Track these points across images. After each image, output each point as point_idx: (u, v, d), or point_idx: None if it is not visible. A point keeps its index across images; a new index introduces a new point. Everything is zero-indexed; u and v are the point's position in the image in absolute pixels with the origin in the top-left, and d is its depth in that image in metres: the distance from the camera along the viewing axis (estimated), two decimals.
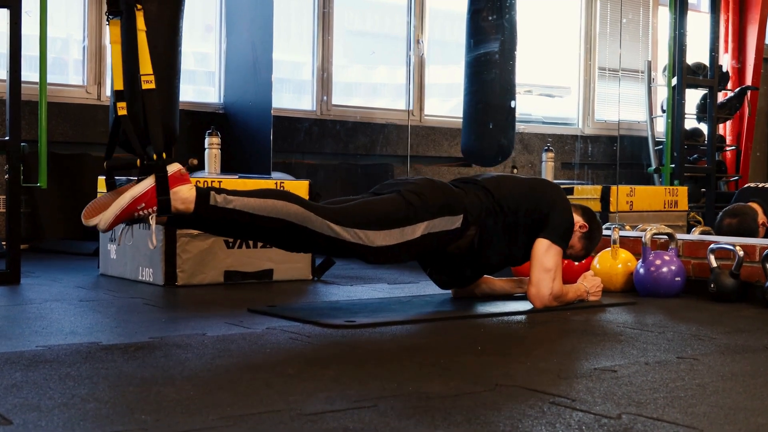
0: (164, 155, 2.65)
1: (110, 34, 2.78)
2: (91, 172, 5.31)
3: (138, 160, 2.65)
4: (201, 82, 6.43)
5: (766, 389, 2.00)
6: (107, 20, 2.79)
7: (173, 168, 2.66)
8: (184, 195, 2.66)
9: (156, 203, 2.63)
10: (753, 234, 4.48)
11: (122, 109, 2.71)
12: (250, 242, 3.85)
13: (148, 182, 2.63)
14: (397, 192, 2.98)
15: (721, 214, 4.79)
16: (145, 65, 2.72)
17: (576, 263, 3.77)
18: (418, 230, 2.93)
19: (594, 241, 3.38)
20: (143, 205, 2.62)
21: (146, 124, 2.69)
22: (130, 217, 2.62)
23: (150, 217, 2.64)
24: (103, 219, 2.59)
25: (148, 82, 2.70)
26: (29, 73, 5.10)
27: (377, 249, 2.88)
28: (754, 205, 4.68)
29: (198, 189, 2.69)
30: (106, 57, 5.86)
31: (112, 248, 4.00)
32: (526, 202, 3.14)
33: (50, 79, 5.09)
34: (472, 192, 3.10)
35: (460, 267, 3.20)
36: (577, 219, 3.29)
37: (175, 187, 2.65)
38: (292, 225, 2.77)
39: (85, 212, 2.61)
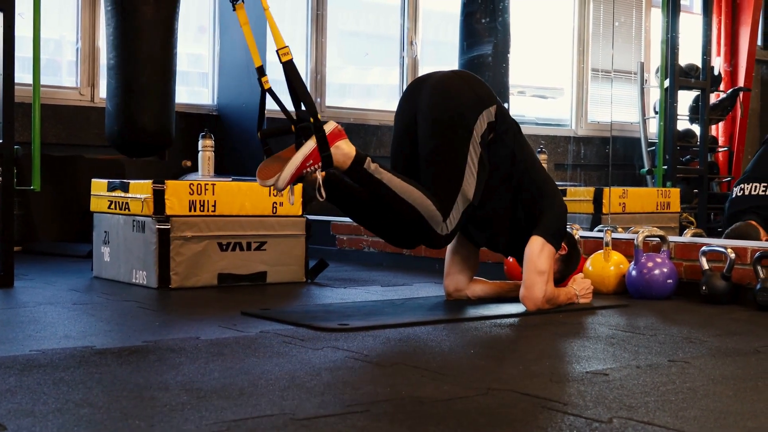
0: (319, 116, 2.86)
1: (239, 18, 2.99)
2: (84, 174, 5.31)
3: (292, 126, 2.87)
4: (194, 83, 6.43)
5: (757, 393, 2.01)
6: (233, 7, 3.01)
7: (330, 126, 2.88)
8: (345, 150, 2.89)
9: (320, 159, 2.85)
10: None
11: (266, 83, 2.92)
12: (244, 245, 3.86)
13: (312, 142, 2.84)
14: (435, 129, 3.05)
15: (724, 236, 4.78)
16: (279, 40, 2.91)
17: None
18: (476, 143, 3.03)
19: (570, 267, 3.37)
20: (311, 162, 2.84)
21: (293, 92, 2.88)
22: (301, 174, 2.84)
23: (317, 172, 2.85)
24: (281, 178, 2.80)
25: (285, 54, 2.90)
26: (22, 74, 5.10)
27: (473, 195, 3.03)
28: (754, 224, 4.70)
29: (358, 151, 2.91)
30: (99, 59, 5.85)
31: (105, 251, 4.00)
32: (531, 167, 3.18)
33: (44, 81, 5.09)
34: (505, 109, 3.22)
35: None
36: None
37: (335, 142, 2.87)
38: (420, 218, 2.96)
39: (259, 174, 2.85)
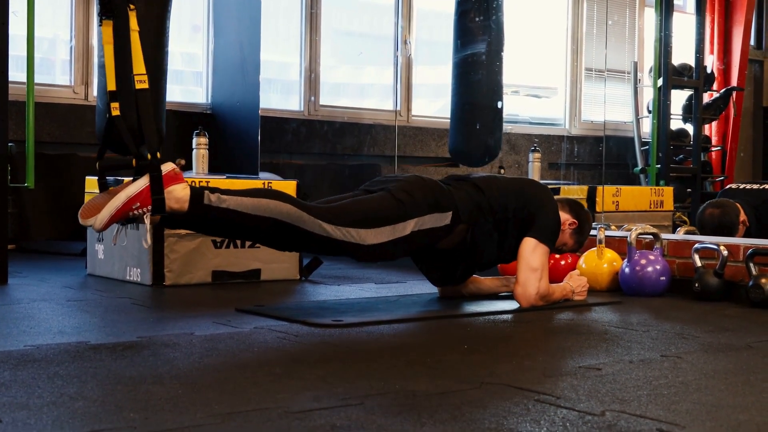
0: (158, 155, 2.66)
1: (103, 35, 2.77)
2: (78, 172, 5.30)
3: (133, 160, 2.66)
4: (188, 82, 6.43)
5: (748, 386, 2.03)
6: (99, 21, 2.79)
7: (167, 167, 2.68)
8: (178, 194, 2.67)
9: (151, 202, 2.63)
10: (733, 228, 4.52)
11: (116, 109, 2.71)
12: (238, 242, 3.86)
13: (143, 182, 2.64)
14: (387, 190, 3.01)
15: (704, 205, 4.83)
16: (139, 65, 2.72)
17: (562, 263, 3.82)
18: (408, 227, 2.96)
19: (585, 233, 3.45)
20: (138, 204, 2.62)
21: (139, 124, 2.69)
22: (125, 216, 2.63)
23: (144, 216, 2.64)
24: (98, 219, 2.59)
25: (141, 82, 2.71)
26: (16, 73, 5.09)
27: (368, 247, 2.90)
28: (737, 204, 4.73)
29: (192, 188, 2.71)
30: (93, 57, 5.85)
31: (99, 248, 4.00)
32: (516, 201, 3.17)
33: (37, 79, 5.08)
34: (463, 189, 3.14)
35: (452, 264, 3.23)
36: (566, 216, 3.33)
37: (169, 186, 2.67)
38: (284, 224, 2.79)
39: (81, 212, 2.62)
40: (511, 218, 3.15)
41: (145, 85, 2.71)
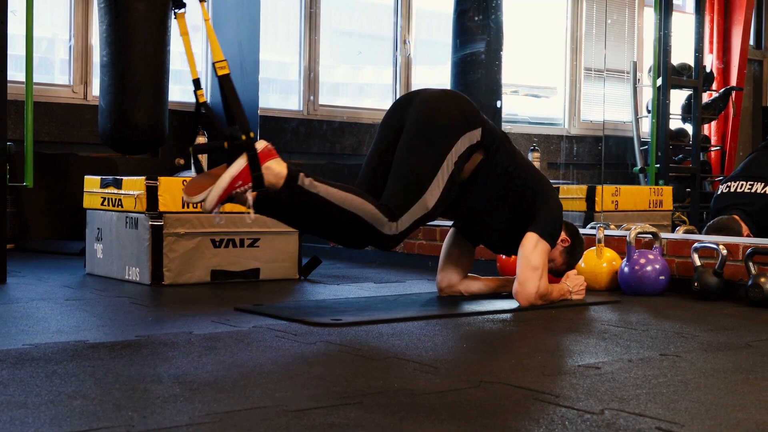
0: (251, 134, 2.77)
1: (179, 26, 2.87)
2: (77, 171, 5.30)
3: (225, 143, 2.77)
4: (188, 81, 6.41)
5: (747, 385, 2.03)
6: (174, 14, 2.89)
7: (260, 145, 2.80)
8: (276, 170, 2.81)
9: (251, 180, 2.76)
10: None
11: (201, 96, 2.85)
12: (237, 241, 3.86)
13: (242, 161, 2.76)
14: (417, 132, 3.04)
15: (705, 228, 4.82)
16: (217, 53, 2.83)
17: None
18: (451, 161, 3.02)
19: (575, 257, 3.41)
20: (240, 182, 2.75)
21: (228, 107, 2.79)
22: (229, 195, 2.76)
23: (247, 194, 2.77)
24: (208, 199, 2.73)
25: (222, 68, 2.81)
26: (15, 72, 5.10)
27: (433, 207, 3.00)
28: (737, 218, 4.72)
29: (290, 167, 2.84)
30: (92, 56, 5.85)
31: (98, 248, 4.00)
32: (527, 174, 3.18)
33: (36, 78, 5.09)
34: (492, 125, 3.20)
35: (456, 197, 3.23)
36: (561, 234, 3.31)
37: (265, 162, 2.79)
38: (364, 223, 2.90)
39: (186, 190, 2.76)
40: (516, 184, 3.15)
41: (226, 71, 2.81)
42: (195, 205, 3.06)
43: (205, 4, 2.94)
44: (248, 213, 2.81)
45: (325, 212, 2.88)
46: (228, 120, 2.80)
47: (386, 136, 3.15)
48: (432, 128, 3.04)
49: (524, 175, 3.18)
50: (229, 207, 3.83)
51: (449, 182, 3.03)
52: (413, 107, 3.11)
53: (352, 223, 2.90)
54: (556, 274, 3.42)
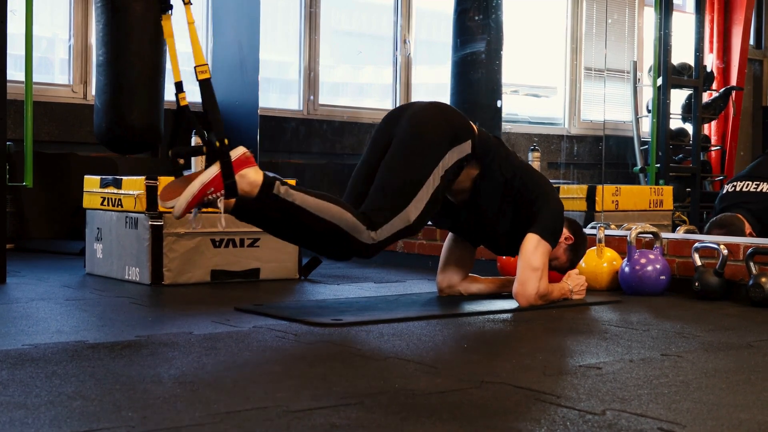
0: (226, 141, 2.73)
1: (164, 28, 2.84)
2: (77, 171, 5.29)
3: (204, 147, 2.75)
4: (187, 81, 6.41)
5: (749, 385, 2.02)
6: (161, 16, 2.86)
7: (237, 152, 2.76)
8: (251, 178, 2.76)
9: (223, 187, 2.71)
10: None
11: (183, 99, 2.81)
12: (237, 241, 3.85)
13: (215, 168, 2.72)
14: (403, 145, 3.01)
15: (708, 225, 4.81)
16: (198, 56, 2.79)
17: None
18: (438, 175, 2.99)
19: (579, 254, 3.41)
20: (212, 189, 2.71)
21: (206, 112, 2.76)
22: (200, 202, 2.72)
23: (219, 201, 2.73)
24: (177, 205, 2.69)
25: (203, 72, 2.78)
26: (15, 72, 5.09)
27: (416, 220, 2.96)
28: (740, 216, 4.71)
29: (266, 175, 2.79)
30: (91, 56, 5.84)
31: (98, 248, 3.99)
32: (526, 177, 3.17)
33: (36, 78, 5.07)
34: (484, 133, 3.17)
35: (460, 216, 3.23)
36: (564, 231, 3.31)
37: (241, 170, 2.74)
38: (341, 231, 2.85)
39: (161, 194, 2.73)
40: (517, 189, 3.14)
41: (207, 75, 2.78)
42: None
43: (191, 6, 2.86)
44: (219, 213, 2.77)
45: (301, 221, 2.83)
46: (205, 126, 2.75)
47: (374, 151, 3.12)
48: (419, 142, 3.01)
49: (523, 178, 3.16)
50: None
51: (434, 196, 2.99)
52: (401, 123, 3.08)
53: (329, 232, 2.85)
54: (560, 271, 3.43)
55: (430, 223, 3.25)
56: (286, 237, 3.03)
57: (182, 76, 2.84)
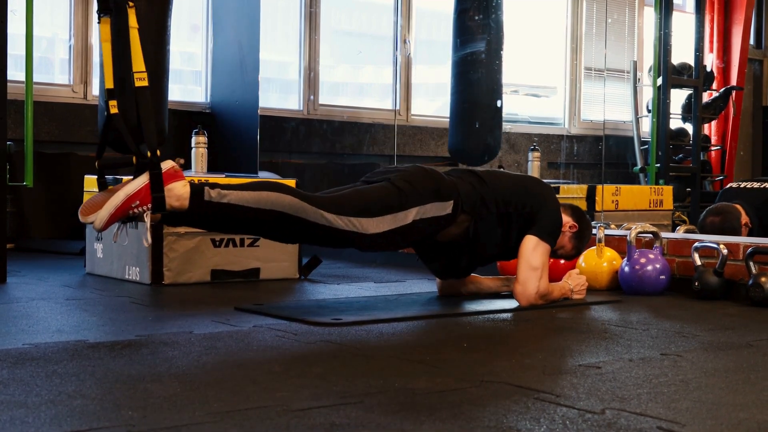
0: (158, 152, 2.64)
1: (101, 33, 2.77)
2: (77, 171, 5.29)
3: (133, 158, 2.64)
4: (188, 81, 6.42)
5: (748, 385, 2.02)
6: (98, 19, 2.79)
7: (167, 165, 2.66)
8: (178, 192, 2.66)
9: (150, 200, 2.62)
10: (735, 233, 4.51)
11: (114, 107, 2.70)
12: (237, 241, 3.86)
13: (142, 180, 2.62)
14: (388, 180, 3.00)
15: (704, 212, 4.82)
16: (138, 62, 2.71)
17: (562, 261, 3.80)
18: (410, 216, 2.95)
19: (584, 240, 3.42)
20: (137, 202, 2.61)
21: (139, 122, 2.68)
22: (124, 215, 2.61)
23: (145, 215, 2.63)
24: (98, 218, 2.58)
25: (141, 80, 2.70)
26: (15, 72, 5.09)
27: (371, 236, 2.89)
28: (737, 206, 4.71)
29: (192, 185, 2.70)
30: (92, 56, 5.84)
31: (98, 247, 3.99)
32: (518, 198, 3.16)
33: (36, 78, 5.07)
34: (466, 181, 3.13)
35: (456, 256, 3.22)
36: (567, 219, 3.32)
37: (169, 183, 2.65)
38: (286, 216, 2.77)
39: (81, 210, 2.61)
40: (513, 213, 3.14)
41: (145, 83, 2.70)
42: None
43: (134, 9, 2.80)
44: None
45: (247, 217, 2.75)
46: (138, 136, 2.67)
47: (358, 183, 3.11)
48: (406, 184, 2.98)
49: (516, 202, 3.15)
50: None
51: (400, 230, 2.93)
52: (390, 171, 3.08)
53: (276, 219, 2.77)
54: (567, 258, 3.49)
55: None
56: (237, 232, 2.95)
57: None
